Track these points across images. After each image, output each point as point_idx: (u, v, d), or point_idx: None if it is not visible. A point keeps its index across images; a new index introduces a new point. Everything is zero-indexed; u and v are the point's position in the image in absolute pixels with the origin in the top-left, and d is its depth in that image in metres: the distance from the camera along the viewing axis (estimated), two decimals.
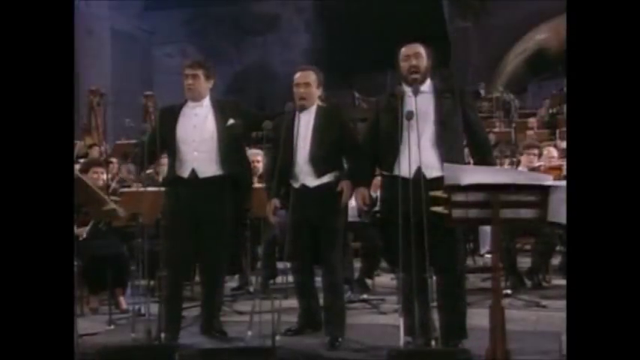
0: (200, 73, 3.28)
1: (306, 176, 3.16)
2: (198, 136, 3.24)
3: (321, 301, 3.30)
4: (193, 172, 3.22)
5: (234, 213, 3.30)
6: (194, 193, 3.20)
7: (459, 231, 2.91)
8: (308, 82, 3.21)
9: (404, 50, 2.99)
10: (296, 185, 3.16)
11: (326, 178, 3.17)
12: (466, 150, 3.18)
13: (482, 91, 8.90)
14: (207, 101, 3.32)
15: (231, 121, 3.28)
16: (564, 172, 4.65)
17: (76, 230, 3.94)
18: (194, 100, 3.30)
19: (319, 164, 3.16)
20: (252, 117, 3.40)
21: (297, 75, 3.25)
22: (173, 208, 3.22)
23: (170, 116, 3.28)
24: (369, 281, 4.45)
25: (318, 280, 3.32)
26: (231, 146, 3.25)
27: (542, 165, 4.96)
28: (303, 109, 3.20)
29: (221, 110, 3.29)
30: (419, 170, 2.79)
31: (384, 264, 4.63)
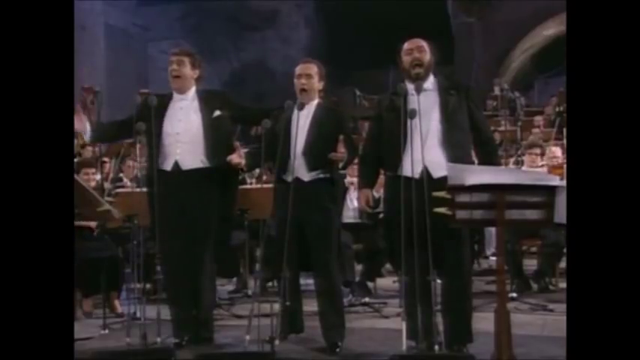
0: (186, 59, 3.20)
1: (300, 169, 3.08)
2: (183, 128, 3.15)
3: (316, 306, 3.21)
4: (176, 164, 3.14)
5: (223, 208, 3.20)
6: (178, 186, 3.11)
7: (465, 232, 2.86)
8: (310, 73, 3.14)
9: (406, 45, 2.94)
10: (290, 179, 3.07)
11: (320, 173, 3.09)
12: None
13: (496, 88, 8.80)
14: (192, 93, 3.23)
15: (217, 113, 3.20)
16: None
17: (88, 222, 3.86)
18: (179, 90, 3.22)
19: (314, 157, 3.07)
20: (240, 109, 3.31)
21: (299, 66, 3.17)
22: (160, 203, 3.09)
23: (159, 107, 3.17)
24: (370, 284, 4.40)
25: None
26: (217, 138, 3.16)
27: (546, 164, 4.88)
28: (303, 101, 3.11)
29: (206, 101, 3.21)
30: (424, 169, 2.73)
31: (388, 265, 4.58)
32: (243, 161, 3.11)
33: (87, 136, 3.30)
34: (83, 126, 3.24)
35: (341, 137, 2.98)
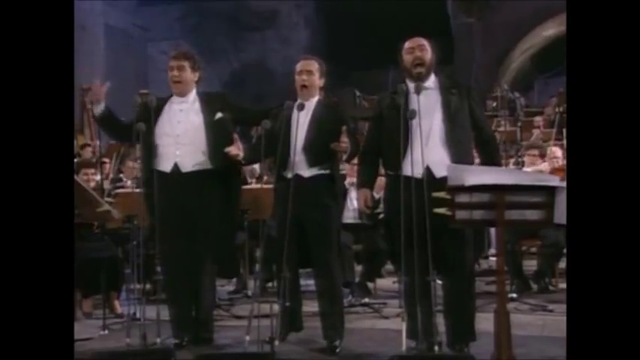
0: (186, 64, 3.20)
1: (300, 166, 3.07)
2: (183, 130, 3.15)
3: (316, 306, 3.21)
4: (176, 166, 3.14)
5: (224, 209, 3.19)
6: (177, 187, 3.11)
7: (468, 231, 2.85)
8: (310, 70, 3.13)
9: (407, 44, 2.92)
10: (290, 176, 3.06)
11: (321, 169, 3.09)
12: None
13: (496, 88, 8.78)
14: (193, 95, 3.23)
15: (219, 115, 3.20)
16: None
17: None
18: (180, 94, 3.22)
19: (314, 153, 3.07)
20: (240, 110, 3.30)
21: (300, 63, 3.17)
22: (160, 204, 3.07)
23: (157, 108, 3.16)
24: (370, 285, 4.40)
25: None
26: (219, 140, 3.15)
27: (547, 165, 4.88)
28: (303, 97, 3.11)
29: (207, 103, 3.21)
30: (426, 169, 2.73)
31: (387, 266, 4.58)
32: (241, 153, 3.10)
33: (97, 110, 3.19)
34: (101, 98, 3.15)
35: (343, 128, 2.96)
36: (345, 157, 3.07)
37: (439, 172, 2.75)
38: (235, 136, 3.15)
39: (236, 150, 3.09)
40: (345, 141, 2.94)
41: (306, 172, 3.08)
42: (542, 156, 5.12)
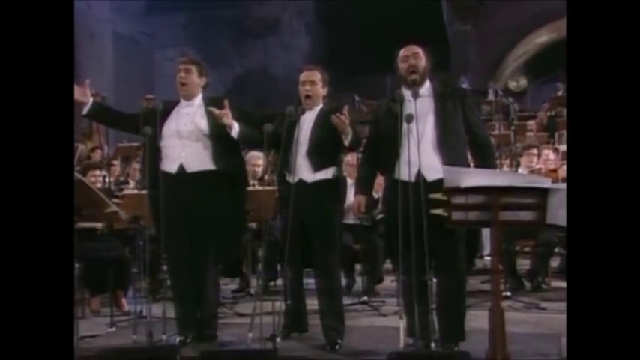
0: (192, 67, 3.29)
1: (303, 171, 3.14)
2: (189, 132, 3.22)
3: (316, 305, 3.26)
4: (181, 167, 3.21)
5: (229, 210, 3.25)
6: (183, 188, 3.17)
7: (460, 232, 2.91)
8: (313, 80, 3.21)
9: (402, 52, 3.00)
10: (294, 180, 3.14)
11: (323, 174, 3.16)
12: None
13: (490, 91, 8.87)
14: (199, 99, 3.32)
15: None
16: (561, 175, 4.69)
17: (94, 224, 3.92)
18: (186, 97, 3.30)
19: (317, 158, 3.13)
20: (245, 115, 3.35)
21: (303, 73, 3.24)
22: (165, 205, 3.11)
23: (164, 112, 3.24)
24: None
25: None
26: (223, 143, 3.21)
27: (542, 167, 4.97)
28: (307, 107, 3.18)
29: (212, 106, 3.26)
30: (419, 173, 2.80)
31: (386, 265, 4.64)
32: (231, 123, 3.09)
33: (85, 109, 3.26)
34: (86, 98, 3.23)
35: (346, 107, 3.00)
36: (346, 141, 3.05)
37: (431, 176, 2.81)
38: (226, 102, 3.15)
39: (225, 114, 3.08)
40: (346, 114, 2.99)
41: (310, 177, 3.15)
42: (539, 156, 5.22)
